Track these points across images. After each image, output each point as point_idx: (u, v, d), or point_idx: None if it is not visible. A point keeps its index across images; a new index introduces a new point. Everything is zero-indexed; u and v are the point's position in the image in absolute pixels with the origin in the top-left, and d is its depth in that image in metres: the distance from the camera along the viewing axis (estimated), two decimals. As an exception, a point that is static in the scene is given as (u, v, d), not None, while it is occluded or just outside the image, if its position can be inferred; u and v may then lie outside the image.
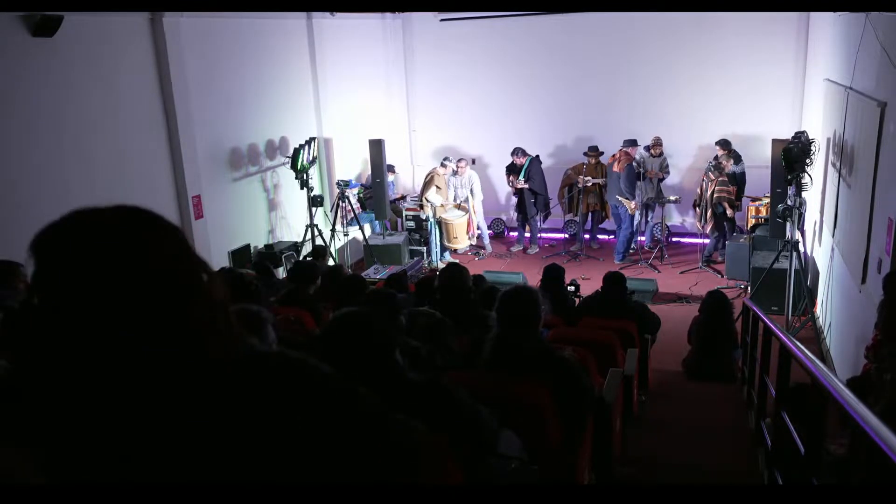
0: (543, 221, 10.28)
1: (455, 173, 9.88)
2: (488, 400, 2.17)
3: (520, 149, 9.78)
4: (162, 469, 0.84)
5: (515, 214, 10.29)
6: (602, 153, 9.63)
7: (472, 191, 9.94)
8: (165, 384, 0.85)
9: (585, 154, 9.66)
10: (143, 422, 0.84)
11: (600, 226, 10.17)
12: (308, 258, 7.36)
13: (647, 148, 9.44)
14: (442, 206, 9.64)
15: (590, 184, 9.51)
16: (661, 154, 9.36)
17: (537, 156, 9.89)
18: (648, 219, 9.61)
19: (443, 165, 9.86)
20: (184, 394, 0.86)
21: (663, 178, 9.40)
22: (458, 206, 9.80)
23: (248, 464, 0.86)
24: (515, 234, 10.54)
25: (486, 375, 2.66)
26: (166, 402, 0.85)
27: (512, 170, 9.90)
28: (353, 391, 0.96)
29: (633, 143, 9.32)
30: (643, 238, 9.72)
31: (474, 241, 10.16)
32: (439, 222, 9.61)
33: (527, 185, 9.71)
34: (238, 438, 0.86)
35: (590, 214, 9.89)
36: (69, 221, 0.86)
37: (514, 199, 10.21)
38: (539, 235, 10.33)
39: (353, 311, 1.98)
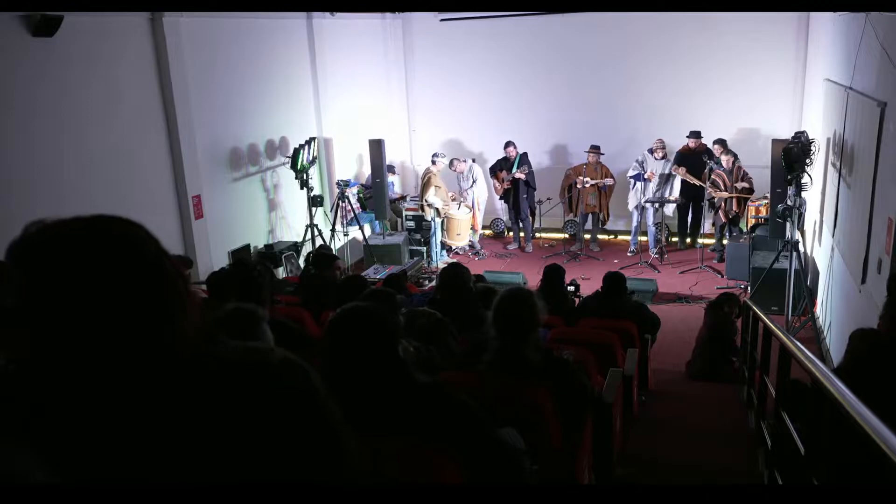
0: (537, 222, 10.26)
1: (455, 169, 9.89)
2: (488, 401, 2.17)
3: (511, 142, 9.80)
4: (133, 468, 0.85)
5: (509, 213, 10.24)
6: (603, 153, 9.61)
7: (475, 181, 9.93)
8: (130, 385, 0.87)
9: (587, 152, 9.62)
10: (109, 423, 0.86)
11: (602, 227, 10.13)
12: (324, 250, 7.38)
13: (651, 150, 9.35)
14: (446, 205, 9.65)
15: (588, 185, 9.49)
16: (664, 157, 9.28)
17: (525, 152, 9.89)
18: (649, 221, 9.52)
19: (433, 163, 9.81)
20: (147, 394, 0.88)
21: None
22: (461, 206, 9.82)
23: (213, 463, 0.88)
24: (512, 233, 10.52)
25: (486, 376, 2.66)
26: (128, 401, 0.87)
27: (503, 166, 9.88)
28: (316, 396, 0.97)
29: (696, 134, 9.16)
30: (645, 238, 9.68)
31: (475, 239, 10.17)
32: (442, 220, 9.61)
33: (523, 176, 9.67)
34: (199, 437, 0.88)
35: (589, 216, 9.87)
36: (38, 235, 0.88)
37: (504, 203, 10.17)
38: (538, 235, 10.33)
39: (358, 305, 1.97)
